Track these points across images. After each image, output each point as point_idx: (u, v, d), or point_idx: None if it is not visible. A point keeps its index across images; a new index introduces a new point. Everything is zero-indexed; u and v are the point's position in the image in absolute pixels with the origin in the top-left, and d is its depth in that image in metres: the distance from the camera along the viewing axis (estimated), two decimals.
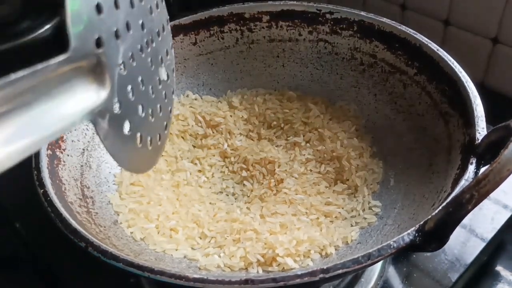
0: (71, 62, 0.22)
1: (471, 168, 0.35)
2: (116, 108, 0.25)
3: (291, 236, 0.42)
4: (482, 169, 0.36)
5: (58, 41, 0.54)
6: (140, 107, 0.27)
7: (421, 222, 0.32)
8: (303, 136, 0.52)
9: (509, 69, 0.62)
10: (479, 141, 0.37)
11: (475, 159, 0.36)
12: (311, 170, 0.49)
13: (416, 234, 0.31)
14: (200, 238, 0.44)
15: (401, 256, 0.47)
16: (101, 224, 0.41)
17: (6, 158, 0.19)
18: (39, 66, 0.21)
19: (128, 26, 0.25)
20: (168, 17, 0.29)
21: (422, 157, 0.45)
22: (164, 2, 0.29)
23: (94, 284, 0.47)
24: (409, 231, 0.31)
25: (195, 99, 0.56)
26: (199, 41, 0.55)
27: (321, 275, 0.30)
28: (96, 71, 0.23)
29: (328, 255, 0.42)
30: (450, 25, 0.64)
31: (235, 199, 0.49)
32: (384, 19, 0.50)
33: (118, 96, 0.24)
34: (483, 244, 0.48)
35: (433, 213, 0.31)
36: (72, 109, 0.22)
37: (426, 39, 0.47)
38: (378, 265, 0.46)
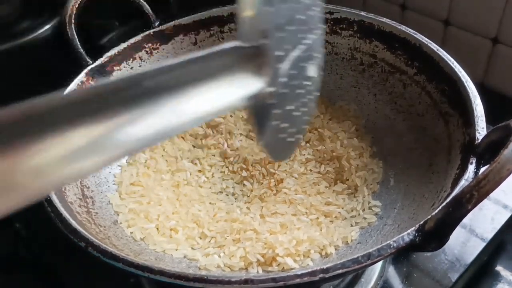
0: (239, 49, 0.25)
1: (471, 168, 0.35)
2: (272, 97, 0.26)
3: (291, 236, 0.42)
4: (482, 169, 0.36)
5: (58, 41, 0.54)
6: (290, 100, 0.28)
7: (421, 222, 0.32)
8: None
9: (509, 69, 0.62)
10: (479, 141, 0.37)
11: (475, 159, 0.36)
12: (311, 170, 0.49)
13: (416, 234, 0.31)
14: (200, 238, 0.44)
15: (401, 256, 0.47)
16: (101, 224, 0.41)
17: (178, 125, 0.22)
18: (211, 50, 0.24)
19: (292, 21, 0.26)
20: (321, 16, 0.27)
21: (422, 157, 0.45)
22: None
23: (94, 284, 0.47)
24: (409, 231, 0.31)
25: None
26: (199, 41, 0.55)
27: (321, 275, 0.30)
28: (259, 60, 0.25)
29: (328, 255, 0.42)
30: (450, 25, 0.64)
31: (235, 199, 0.49)
32: (384, 19, 0.50)
33: (275, 87, 0.26)
34: (483, 244, 0.48)
35: (433, 213, 0.31)
36: (234, 92, 0.24)
37: (426, 39, 0.47)
38: (378, 265, 0.46)
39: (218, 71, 0.24)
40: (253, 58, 0.25)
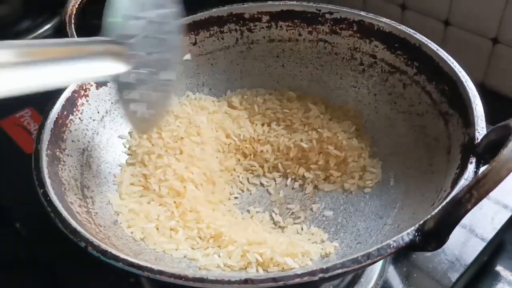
0: (110, 43, 0.37)
1: (471, 167, 0.35)
2: (132, 79, 0.38)
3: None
4: (482, 169, 0.36)
5: None
6: (142, 86, 0.39)
7: (421, 222, 0.32)
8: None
9: (509, 69, 0.62)
10: (479, 140, 0.37)
11: (475, 158, 0.36)
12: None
13: (416, 234, 0.31)
14: (200, 238, 0.44)
15: (401, 256, 0.47)
16: (101, 224, 0.41)
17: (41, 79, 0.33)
18: (93, 38, 0.38)
19: (147, 33, 0.38)
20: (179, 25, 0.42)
21: (422, 157, 0.45)
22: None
23: (94, 284, 0.47)
24: (408, 230, 0.31)
25: (195, 99, 0.56)
26: (199, 41, 0.55)
27: (321, 275, 0.30)
28: (124, 53, 0.37)
29: (328, 254, 0.42)
30: (450, 25, 0.65)
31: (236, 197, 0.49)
32: (384, 19, 0.50)
33: (134, 73, 0.38)
34: (483, 244, 0.48)
35: (433, 213, 0.31)
36: (105, 68, 0.36)
37: (426, 39, 0.47)
38: (378, 265, 0.46)
39: (92, 52, 0.36)
40: (121, 51, 0.37)
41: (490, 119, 0.39)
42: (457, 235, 0.48)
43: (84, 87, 0.48)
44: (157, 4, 0.39)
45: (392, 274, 0.46)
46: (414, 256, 0.47)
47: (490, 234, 0.49)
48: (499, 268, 0.48)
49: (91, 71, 0.36)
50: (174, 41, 0.41)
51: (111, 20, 0.37)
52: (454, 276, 0.45)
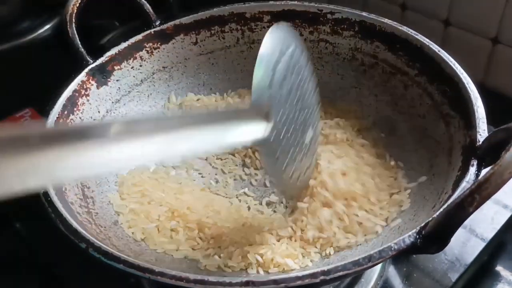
0: (253, 109, 0.35)
1: (472, 170, 0.35)
2: (278, 141, 0.36)
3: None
4: (483, 171, 0.36)
5: (59, 41, 0.54)
6: (290, 149, 0.38)
7: (422, 224, 0.32)
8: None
9: (509, 69, 0.62)
10: (480, 143, 0.37)
11: (476, 161, 0.36)
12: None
13: (417, 236, 0.31)
14: (200, 239, 0.44)
15: (401, 257, 0.47)
16: (101, 225, 0.41)
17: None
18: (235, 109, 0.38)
19: (288, 98, 0.37)
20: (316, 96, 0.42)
21: (423, 159, 0.45)
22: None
23: (94, 284, 0.47)
24: (410, 233, 0.31)
25: (196, 100, 0.56)
26: (200, 41, 0.55)
27: (322, 277, 0.30)
28: (266, 117, 0.35)
29: (328, 256, 0.42)
30: (450, 25, 0.64)
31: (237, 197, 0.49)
32: (385, 20, 0.50)
33: (275, 136, 0.36)
34: (483, 244, 0.48)
35: (434, 215, 0.31)
36: (247, 134, 0.34)
37: (427, 40, 0.47)
38: (378, 265, 0.46)
39: (238, 120, 0.34)
40: (263, 115, 0.35)
41: (490, 119, 0.39)
42: (457, 235, 0.47)
43: (85, 87, 0.48)
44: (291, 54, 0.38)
45: (392, 274, 0.46)
46: (414, 256, 0.47)
47: (490, 234, 0.49)
48: (499, 268, 0.48)
49: (240, 136, 0.34)
50: (311, 94, 0.40)
51: (257, 79, 0.35)
52: (454, 276, 0.45)
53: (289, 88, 0.37)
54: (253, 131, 0.34)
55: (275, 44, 0.37)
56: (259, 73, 0.35)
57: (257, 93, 0.35)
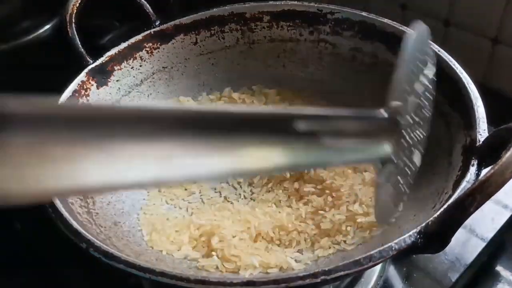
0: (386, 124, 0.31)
1: (472, 169, 0.35)
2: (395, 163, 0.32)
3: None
4: (484, 171, 0.36)
5: (58, 41, 0.54)
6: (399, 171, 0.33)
7: (423, 224, 0.32)
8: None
9: (509, 69, 0.62)
10: (480, 142, 0.37)
11: (476, 160, 0.36)
12: None
13: (418, 236, 0.31)
14: (200, 238, 0.44)
15: (401, 257, 0.47)
16: (101, 225, 0.41)
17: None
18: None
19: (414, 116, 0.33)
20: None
21: (423, 159, 0.45)
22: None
23: (94, 284, 0.47)
24: (410, 233, 0.31)
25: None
26: (199, 41, 0.55)
27: (323, 277, 0.30)
28: (393, 135, 0.31)
29: (328, 256, 0.42)
30: (450, 25, 0.64)
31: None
32: (385, 20, 0.50)
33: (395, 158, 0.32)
34: (483, 244, 0.48)
35: (435, 215, 0.31)
36: (373, 150, 0.31)
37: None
38: (378, 265, 0.46)
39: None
40: (392, 134, 0.31)
41: (490, 119, 0.39)
42: (457, 235, 0.47)
43: (85, 87, 0.48)
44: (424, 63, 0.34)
45: (392, 274, 0.46)
46: (414, 256, 0.47)
47: (490, 234, 0.49)
48: (499, 268, 0.48)
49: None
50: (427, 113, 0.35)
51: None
52: (454, 276, 0.45)
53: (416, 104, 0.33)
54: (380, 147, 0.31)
55: (415, 55, 0.34)
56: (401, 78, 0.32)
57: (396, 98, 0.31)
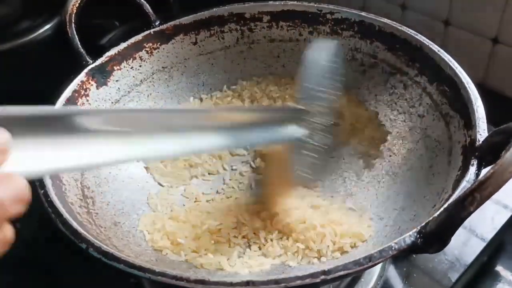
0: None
1: (472, 169, 0.35)
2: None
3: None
4: (484, 171, 0.36)
5: (58, 41, 0.54)
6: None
7: (423, 224, 0.32)
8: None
9: (509, 69, 0.62)
10: (480, 142, 0.37)
11: (476, 160, 0.36)
12: None
13: (418, 236, 0.31)
14: (199, 239, 0.44)
15: (401, 256, 0.47)
16: (101, 225, 0.41)
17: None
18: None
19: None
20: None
21: (423, 158, 0.45)
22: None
23: (94, 284, 0.47)
24: (410, 232, 0.31)
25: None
26: (199, 41, 0.55)
27: (323, 277, 0.30)
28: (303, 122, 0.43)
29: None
30: (450, 25, 0.64)
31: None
32: (385, 20, 0.50)
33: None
34: (483, 244, 0.48)
35: (435, 215, 0.31)
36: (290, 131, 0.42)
37: (427, 40, 0.47)
38: (378, 265, 0.46)
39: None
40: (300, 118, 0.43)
41: (490, 119, 0.39)
42: (457, 235, 0.47)
43: (85, 87, 0.48)
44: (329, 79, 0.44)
45: (392, 274, 0.46)
46: (414, 256, 0.47)
47: (490, 234, 0.49)
48: (499, 268, 0.48)
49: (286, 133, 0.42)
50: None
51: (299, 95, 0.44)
52: (454, 276, 0.46)
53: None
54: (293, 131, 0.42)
55: (317, 57, 0.43)
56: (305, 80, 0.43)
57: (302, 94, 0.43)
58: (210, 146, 0.38)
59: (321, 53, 0.44)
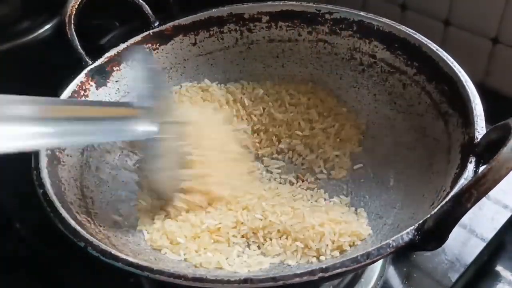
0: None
1: (470, 167, 0.35)
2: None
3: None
4: (482, 168, 0.36)
5: (58, 41, 0.54)
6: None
7: (420, 221, 0.32)
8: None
9: (509, 69, 0.62)
10: (478, 140, 0.37)
11: (474, 158, 0.36)
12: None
13: (416, 233, 0.31)
14: (199, 238, 0.44)
15: (401, 256, 0.47)
16: (100, 224, 0.41)
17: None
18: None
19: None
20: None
21: (422, 157, 0.45)
22: None
23: (94, 284, 0.47)
24: (408, 230, 0.31)
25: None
26: (198, 42, 0.55)
27: (320, 274, 0.30)
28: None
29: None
30: (450, 25, 0.65)
31: None
32: (384, 19, 0.50)
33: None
34: (483, 244, 0.48)
35: (432, 212, 0.31)
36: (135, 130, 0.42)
37: (426, 39, 0.47)
38: (378, 265, 0.46)
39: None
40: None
41: (490, 119, 0.39)
42: (457, 235, 0.48)
43: (84, 88, 0.48)
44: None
45: (392, 274, 0.46)
46: (414, 256, 0.47)
47: (490, 234, 0.49)
48: (499, 268, 0.48)
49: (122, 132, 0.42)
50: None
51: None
52: (454, 276, 0.45)
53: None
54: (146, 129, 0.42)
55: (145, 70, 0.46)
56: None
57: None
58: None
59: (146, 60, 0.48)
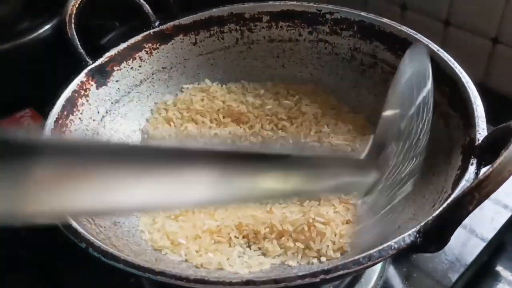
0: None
1: (472, 168, 0.35)
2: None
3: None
4: (483, 170, 0.36)
5: (58, 41, 0.54)
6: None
7: (422, 223, 0.32)
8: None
9: (509, 69, 0.62)
10: (480, 141, 0.37)
11: (476, 159, 0.36)
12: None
13: (417, 235, 0.31)
14: (200, 238, 0.44)
15: (401, 256, 0.47)
16: (101, 225, 0.41)
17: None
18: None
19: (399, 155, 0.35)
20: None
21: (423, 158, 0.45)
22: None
23: (94, 284, 0.47)
24: (409, 232, 0.31)
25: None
26: (199, 41, 0.55)
27: (322, 276, 0.30)
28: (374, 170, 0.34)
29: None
30: (450, 25, 0.64)
31: None
32: (385, 20, 0.50)
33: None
34: (483, 244, 0.48)
35: (434, 214, 0.31)
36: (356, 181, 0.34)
37: (426, 39, 0.47)
38: (378, 265, 0.46)
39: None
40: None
41: (490, 119, 0.39)
42: (457, 235, 0.46)
43: (84, 87, 0.48)
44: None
45: (392, 274, 0.46)
46: (414, 256, 0.47)
47: (490, 234, 0.49)
48: (499, 268, 0.48)
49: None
50: (422, 143, 0.36)
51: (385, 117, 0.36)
52: (454, 276, 0.45)
53: (410, 131, 0.36)
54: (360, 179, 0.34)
55: (413, 79, 0.35)
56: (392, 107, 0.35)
57: (382, 129, 0.35)
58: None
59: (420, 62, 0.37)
